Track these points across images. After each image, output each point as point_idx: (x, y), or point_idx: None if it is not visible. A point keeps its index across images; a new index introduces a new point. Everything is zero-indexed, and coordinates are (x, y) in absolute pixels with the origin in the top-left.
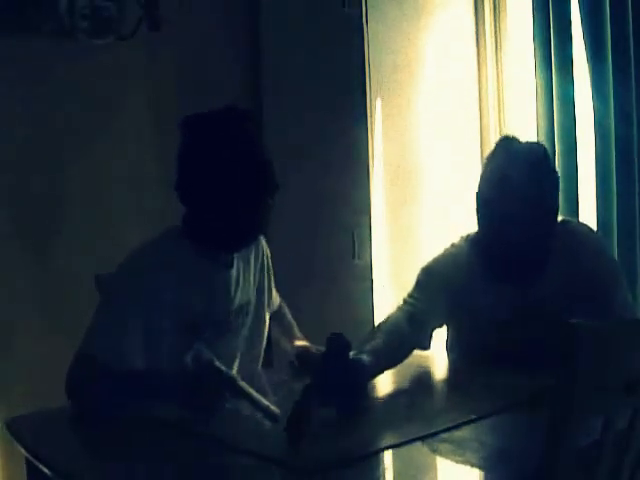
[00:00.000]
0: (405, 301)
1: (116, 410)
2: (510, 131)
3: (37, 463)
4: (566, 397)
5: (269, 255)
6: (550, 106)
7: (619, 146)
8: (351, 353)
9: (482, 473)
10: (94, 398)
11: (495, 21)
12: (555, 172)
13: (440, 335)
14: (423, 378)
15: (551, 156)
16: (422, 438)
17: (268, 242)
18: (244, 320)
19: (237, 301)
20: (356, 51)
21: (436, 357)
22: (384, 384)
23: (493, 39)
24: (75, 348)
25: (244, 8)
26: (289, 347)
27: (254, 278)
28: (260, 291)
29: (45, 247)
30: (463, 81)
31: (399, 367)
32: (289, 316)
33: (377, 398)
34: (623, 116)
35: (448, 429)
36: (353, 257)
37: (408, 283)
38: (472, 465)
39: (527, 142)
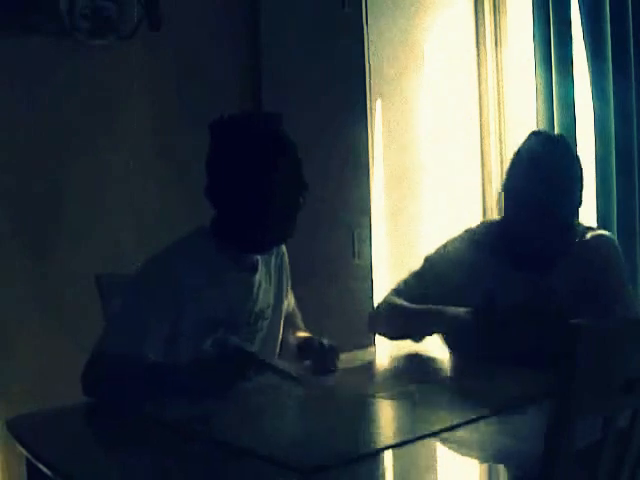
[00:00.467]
0: (405, 282)
1: (133, 407)
2: (510, 130)
3: (37, 463)
4: (566, 397)
5: (287, 258)
6: (550, 106)
7: (619, 146)
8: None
9: (482, 473)
10: (115, 395)
11: (495, 21)
12: (580, 167)
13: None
14: (423, 378)
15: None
16: (422, 438)
17: None
18: (262, 324)
19: (258, 305)
20: (356, 51)
21: (436, 356)
22: (384, 384)
23: (493, 39)
24: (75, 348)
25: (244, 8)
26: (291, 338)
27: (275, 282)
28: (279, 295)
29: (45, 247)
30: (463, 81)
31: (399, 367)
32: (296, 309)
33: (377, 398)
34: (623, 116)
35: (448, 429)
36: (353, 257)
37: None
38: (473, 465)
39: (557, 134)
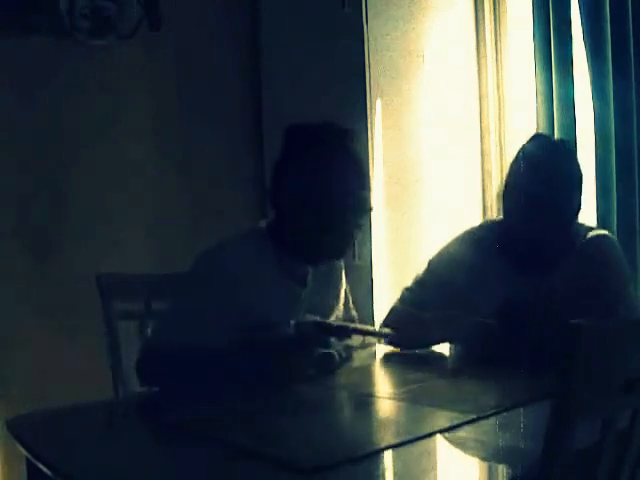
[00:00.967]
0: (409, 289)
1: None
2: (510, 130)
3: (37, 463)
4: (566, 397)
5: (343, 274)
6: (550, 106)
7: (619, 146)
8: None
9: (483, 473)
10: (179, 381)
11: (495, 21)
12: (581, 172)
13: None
14: (423, 377)
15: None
16: (422, 438)
17: None
18: None
19: (296, 319)
20: (356, 51)
21: (436, 356)
22: (384, 384)
23: (493, 39)
24: (75, 348)
25: (244, 8)
26: None
27: (326, 305)
28: (323, 311)
29: (45, 247)
30: (463, 81)
31: (398, 367)
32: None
33: (377, 398)
34: (623, 116)
35: (448, 429)
36: (353, 257)
37: (408, 283)
38: (473, 465)
39: (559, 138)
